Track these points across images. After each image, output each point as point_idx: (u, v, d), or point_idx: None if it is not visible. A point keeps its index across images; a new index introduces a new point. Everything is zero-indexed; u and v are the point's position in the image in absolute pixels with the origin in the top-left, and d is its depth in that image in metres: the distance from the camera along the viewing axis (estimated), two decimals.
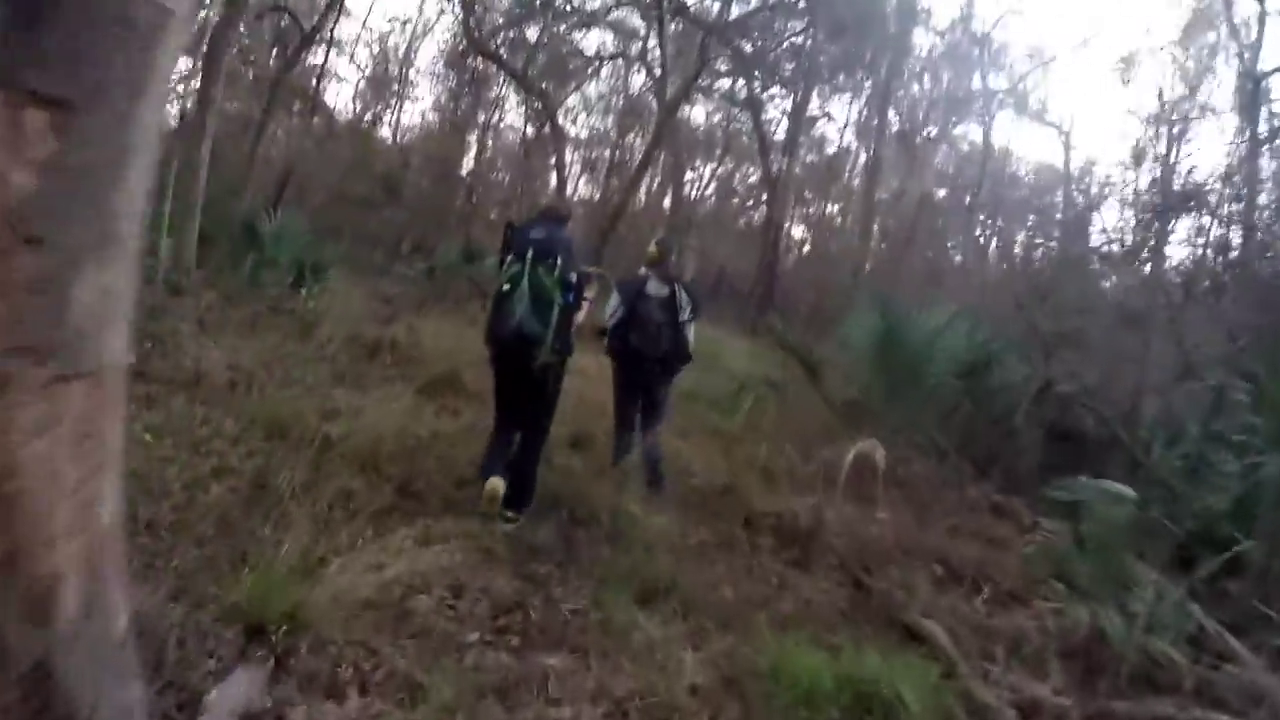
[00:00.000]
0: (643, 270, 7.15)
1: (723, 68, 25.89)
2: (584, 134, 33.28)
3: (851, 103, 28.56)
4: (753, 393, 9.79)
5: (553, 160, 25.73)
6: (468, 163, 29.40)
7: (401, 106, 29.79)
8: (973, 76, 27.63)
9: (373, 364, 9.16)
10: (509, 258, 5.61)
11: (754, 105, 25.45)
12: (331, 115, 26.73)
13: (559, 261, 5.49)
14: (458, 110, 28.78)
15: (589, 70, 29.56)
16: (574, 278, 5.60)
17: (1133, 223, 21.30)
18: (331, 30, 24.11)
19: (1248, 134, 20.27)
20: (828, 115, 28.75)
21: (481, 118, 29.87)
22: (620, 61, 29.41)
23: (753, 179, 34.08)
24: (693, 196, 31.72)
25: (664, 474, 6.86)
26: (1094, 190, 27.71)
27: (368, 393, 7.88)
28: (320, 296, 11.75)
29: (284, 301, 11.14)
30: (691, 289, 7.14)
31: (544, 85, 24.58)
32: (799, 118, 25.30)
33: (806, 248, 32.01)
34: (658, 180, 31.70)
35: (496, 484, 5.51)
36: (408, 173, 25.33)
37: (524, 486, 5.72)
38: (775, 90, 26.59)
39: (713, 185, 34.29)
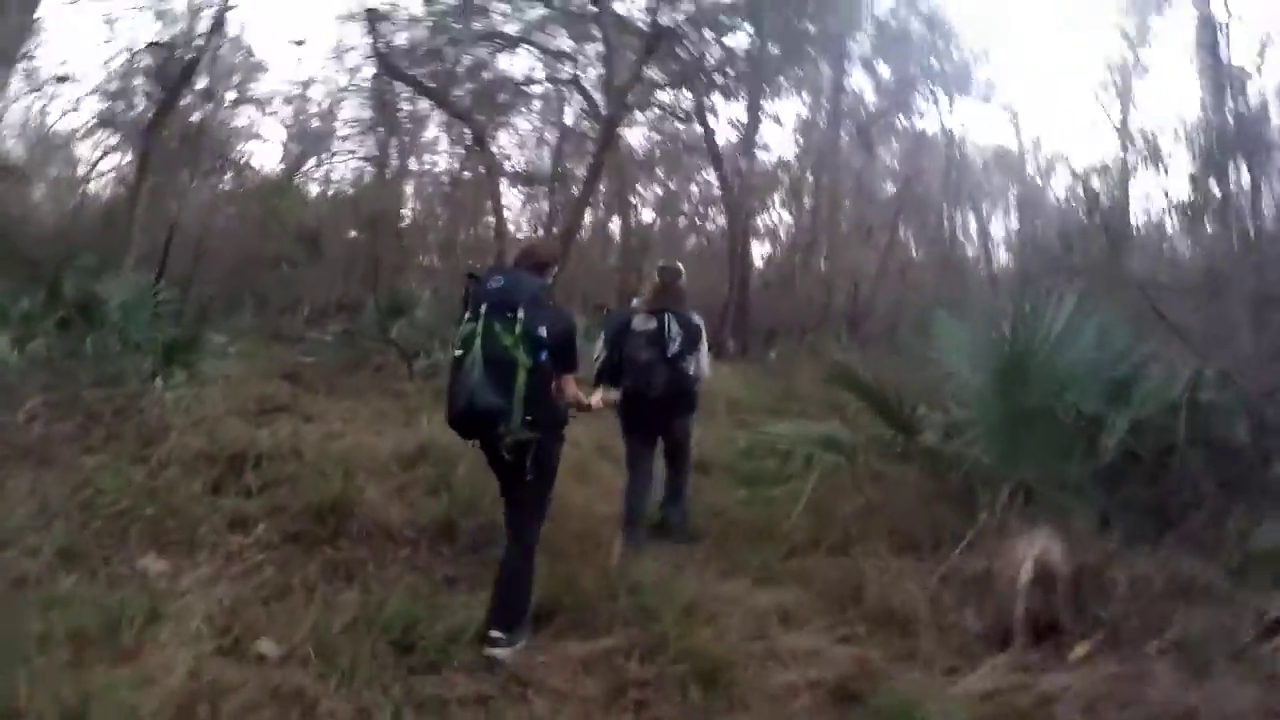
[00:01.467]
0: (635, 301, 6.48)
1: (660, 78, 23.07)
2: (520, 167, 30.38)
3: (804, 100, 25.68)
4: (807, 460, 6.27)
5: (489, 196, 22.81)
6: (403, 211, 26.33)
7: (330, 159, 26.66)
8: (922, 60, 24.85)
9: (222, 496, 6.01)
10: (465, 315, 4.43)
11: (701, 113, 22.60)
12: (246, 173, 23.72)
13: (520, 314, 4.30)
14: (387, 157, 25.82)
15: (519, 99, 26.60)
16: (543, 332, 4.33)
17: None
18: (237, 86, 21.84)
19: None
20: (775, 119, 25.96)
21: (415, 165, 27.03)
22: (551, 88, 26.57)
23: (698, 195, 31.47)
24: (639, 220, 28.78)
25: (689, 529, 6.25)
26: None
27: (194, 555, 5.12)
28: (186, 387, 8.55)
29: (137, 400, 7.87)
30: (685, 318, 6.11)
31: (473, 115, 21.56)
32: (752, 122, 22.41)
33: (765, 261, 29.14)
34: (603, 206, 28.92)
35: None
36: (331, 227, 22.38)
37: (509, 602, 4.49)
38: (716, 98, 23.73)
39: (658, 206, 31.46)
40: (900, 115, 25.66)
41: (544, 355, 4.32)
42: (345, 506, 5.66)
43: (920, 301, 19.58)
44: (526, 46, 22.58)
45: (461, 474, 6.30)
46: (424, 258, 24.12)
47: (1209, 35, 19.25)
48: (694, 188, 31.12)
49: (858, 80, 25.09)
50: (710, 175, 28.76)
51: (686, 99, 24.36)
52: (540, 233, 29.35)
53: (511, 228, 27.85)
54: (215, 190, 22.68)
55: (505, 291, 4.37)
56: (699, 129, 24.26)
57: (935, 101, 24.95)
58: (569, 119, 27.56)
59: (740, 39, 22.45)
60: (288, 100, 25.11)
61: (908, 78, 24.97)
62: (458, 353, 4.36)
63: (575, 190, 27.27)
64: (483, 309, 4.30)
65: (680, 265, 6.49)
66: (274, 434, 7.02)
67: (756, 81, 21.84)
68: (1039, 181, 26.81)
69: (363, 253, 22.07)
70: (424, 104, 23.52)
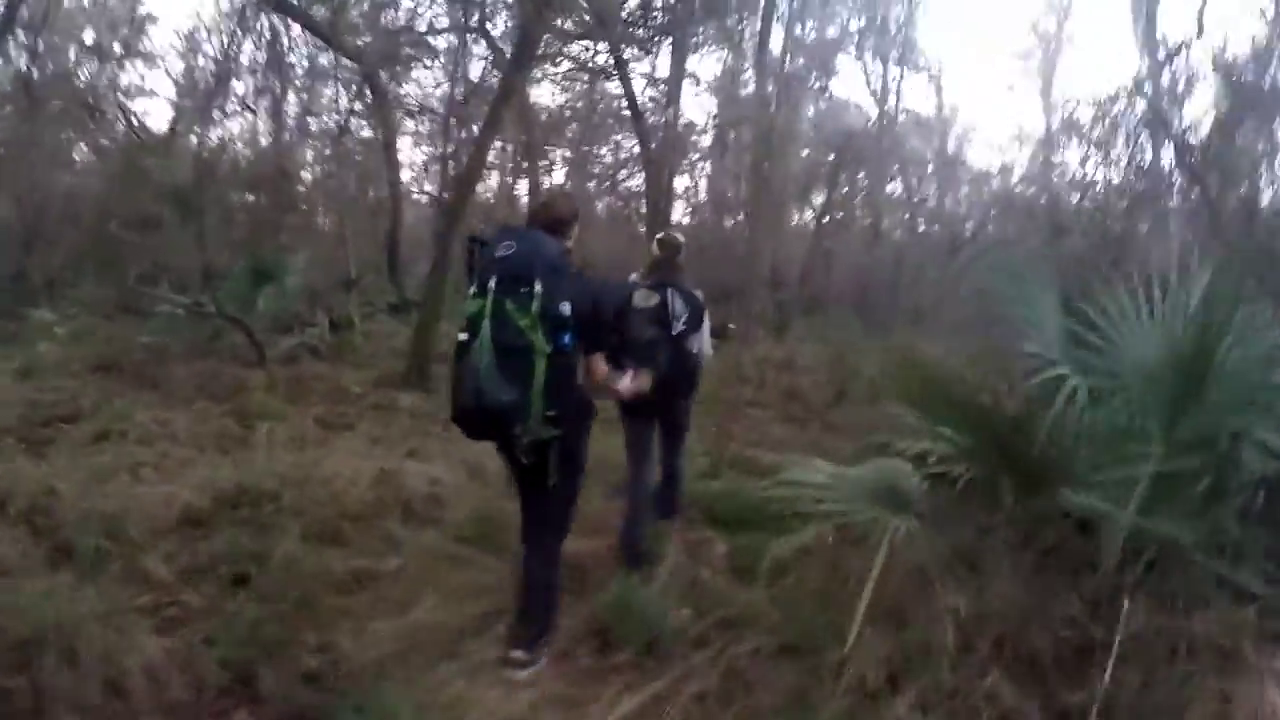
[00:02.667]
0: (633, 276, 5.39)
1: (573, 28, 20.76)
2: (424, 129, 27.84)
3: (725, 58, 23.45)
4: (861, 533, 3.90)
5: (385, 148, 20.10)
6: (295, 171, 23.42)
7: (222, 116, 23.65)
8: (848, 20, 22.94)
9: None
10: (471, 290, 3.53)
11: (621, 66, 20.30)
12: (132, 131, 20.80)
13: (537, 288, 3.41)
14: (282, 114, 22.98)
15: (421, 49, 23.97)
16: (566, 309, 3.45)
17: None
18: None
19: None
20: (694, 76, 23.63)
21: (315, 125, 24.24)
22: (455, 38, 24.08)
23: (608, 158, 29.20)
24: (550, 182, 26.44)
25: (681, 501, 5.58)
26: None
27: None
28: None
29: None
30: (688, 293, 5.18)
31: (364, 58, 18.79)
32: (675, 76, 20.09)
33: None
34: (509, 168, 26.57)
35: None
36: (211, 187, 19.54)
37: (535, 615, 3.81)
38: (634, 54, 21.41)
39: (567, 169, 29.19)
40: (824, 77, 23.71)
41: (566, 338, 3.51)
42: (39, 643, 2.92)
43: (883, 272, 17.96)
44: None
45: (285, 551, 4.09)
46: (321, 220, 21.42)
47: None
48: (606, 150, 29.11)
49: (784, 38, 22.93)
50: (625, 135, 26.87)
51: (601, 53, 22.21)
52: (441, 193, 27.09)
53: (414, 189, 25.94)
54: (87, 149, 19.88)
55: (518, 260, 3.52)
56: (612, 86, 22.10)
57: (863, 66, 23.01)
58: (475, 74, 25.22)
59: None
60: (180, 54, 21.92)
61: (833, 39, 23.05)
62: (462, 337, 3.51)
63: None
64: (491, 283, 3.46)
65: (680, 237, 5.52)
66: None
67: (680, 33, 19.50)
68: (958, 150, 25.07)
69: (245, 214, 19.27)
70: (323, 60, 20.61)
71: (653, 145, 20.10)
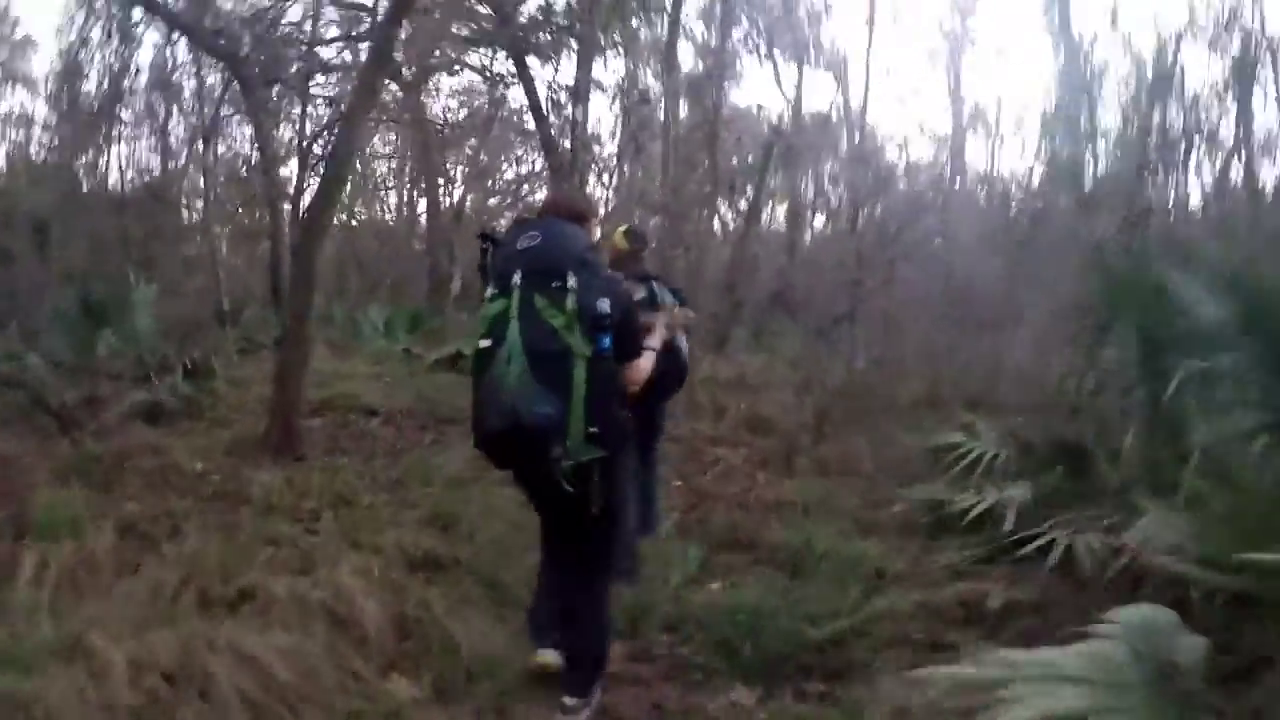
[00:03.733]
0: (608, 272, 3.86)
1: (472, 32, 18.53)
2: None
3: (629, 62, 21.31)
4: None
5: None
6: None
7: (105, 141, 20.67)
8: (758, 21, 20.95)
9: None
10: (489, 291, 2.98)
11: (524, 73, 18.06)
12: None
13: (571, 281, 2.86)
14: (168, 138, 20.23)
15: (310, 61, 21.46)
16: (605, 306, 2.88)
17: None
18: None
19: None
20: (598, 83, 21.50)
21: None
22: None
23: (510, 172, 27.05)
24: (451, 198, 24.08)
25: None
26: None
27: None
28: None
29: None
30: (674, 287, 4.94)
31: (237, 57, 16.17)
32: (582, 85, 17.81)
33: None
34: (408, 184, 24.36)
35: (547, 658, 3.25)
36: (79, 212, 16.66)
37: (584, 659, 3.22)
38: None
39: (470, 182, 26.90)
40: (731, 78, 21.75)
41: (607, 340, 2.88)
42: None
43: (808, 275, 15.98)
44: None
45: None
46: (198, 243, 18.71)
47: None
48: (507, 164, 26.90)
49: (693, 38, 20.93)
50: (528, 146, 24.72)
51: (500, 60, 20.06)
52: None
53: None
54: None
55: (545, 251, 2.93)
56: (513, 98, 19.94)
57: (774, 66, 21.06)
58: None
59: None
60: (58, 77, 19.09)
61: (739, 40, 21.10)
62: (483, 344, 2.88)
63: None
64: (515, 278, 2.86)
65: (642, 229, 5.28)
66: None
67: (586, 36, 17.28)
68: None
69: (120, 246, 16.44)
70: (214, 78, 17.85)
71: (560, 152, 17.92)
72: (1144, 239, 7.48)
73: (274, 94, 15.65)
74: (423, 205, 23.27)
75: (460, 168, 26.06)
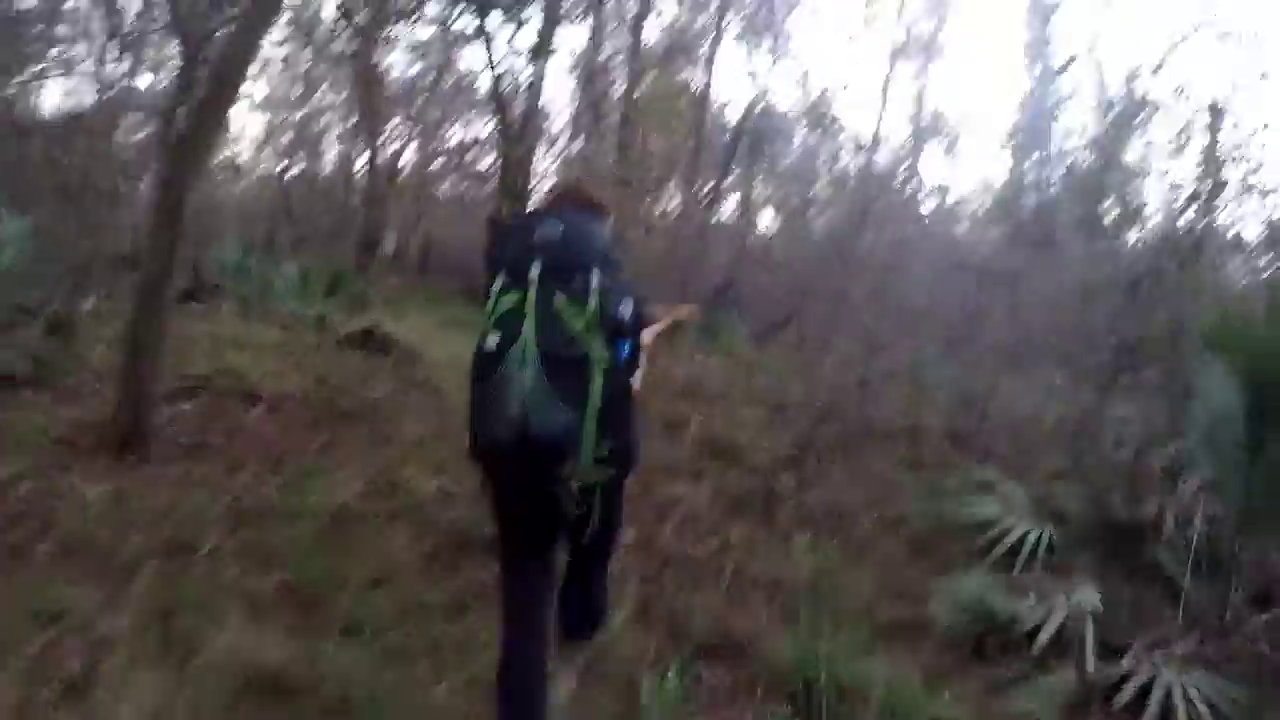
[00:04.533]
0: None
1: None
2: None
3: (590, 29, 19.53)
4: None
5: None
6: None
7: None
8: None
9: None
10: (498, 280, 2.51)
11: (484, 32, 16.32)
12: None
13: (595, 282, 2.45)
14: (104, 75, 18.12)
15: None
16: (626, 311, 2.52)
17: None
18: None
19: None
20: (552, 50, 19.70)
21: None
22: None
23: (456, 137, 25.34)
24: (395, 156, 22.20)
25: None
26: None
27: None
28: None
29: None
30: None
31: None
32: (543, 46, 15.93)
33: None
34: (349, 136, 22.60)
35: None
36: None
37: (590, 607, 3.03)
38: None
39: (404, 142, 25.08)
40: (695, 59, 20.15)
41: (627, 349, 2.57)
42: None
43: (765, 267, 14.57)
44: None
45: None
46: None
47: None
48: (452, 126, 25.10)
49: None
50: (476, 112, 23.00)
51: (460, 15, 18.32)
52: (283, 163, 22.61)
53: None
54: None
55: (568, 245, 2.52)
56: (465, 62, 18.46)
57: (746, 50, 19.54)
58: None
59: None
60: None
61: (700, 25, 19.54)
62: (490, 343, 2.42)
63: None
64: (533, 271, 2.44)
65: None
66: None
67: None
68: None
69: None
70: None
71: (512, 120, 16.23)
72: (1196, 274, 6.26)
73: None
74: (363, 161, 21.22)
75: (406, 125, 24.28)
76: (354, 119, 21.37)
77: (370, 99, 19.05)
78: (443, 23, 19.98)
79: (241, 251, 12.68)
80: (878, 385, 7.35)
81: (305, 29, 20.80)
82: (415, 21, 19.77)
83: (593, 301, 2.41)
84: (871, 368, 7.44)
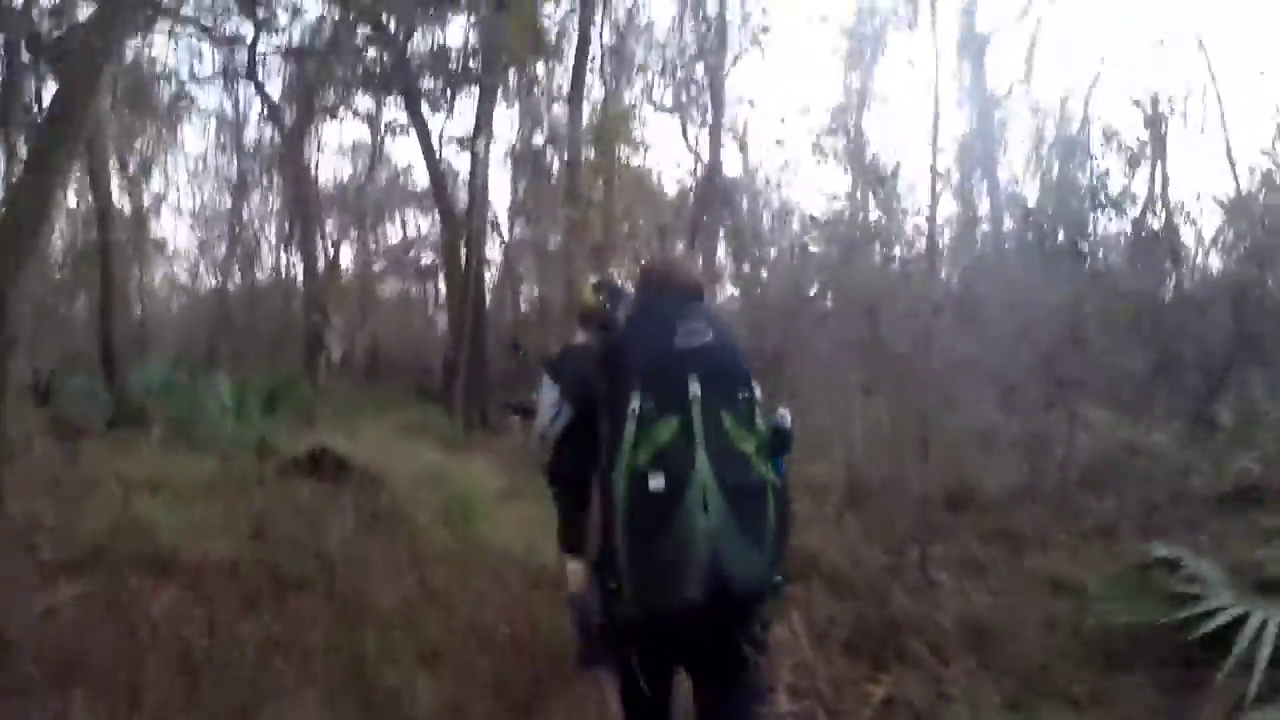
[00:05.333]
0: (579, 337, 3.68)
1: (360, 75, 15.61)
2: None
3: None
4: None
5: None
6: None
7: None
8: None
9: None
10: (635, 401, 2.06)
11: (417, 123, 15.01)
12: None
13: (758, 392, 2.18)
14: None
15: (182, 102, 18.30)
16: (786, 421, 2.21)
17: None
18: None
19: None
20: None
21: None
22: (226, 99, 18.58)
23: (394, 239, 24.71)
24: (330, 260, 20.66)
25: None
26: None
27: None
28: None
29: None
30: None
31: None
32: (482, 132, 14.46)
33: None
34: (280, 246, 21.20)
35: None
36: None
37: None
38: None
39: (347, 248, 23.69)
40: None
41: (781, 463, 2.17)
42: None
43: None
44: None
45: None
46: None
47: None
48: (391, 223, 23.74)
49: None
50: (415, 207, 21.66)
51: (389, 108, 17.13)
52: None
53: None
54: None
55: (724, 352, 2.16)
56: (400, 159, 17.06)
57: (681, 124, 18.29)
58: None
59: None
60: None
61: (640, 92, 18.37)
62: (657, 482, 1.98)
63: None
64: (694, 390, 2.04)
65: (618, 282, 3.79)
66: None
67: (486, 83, 14.13)
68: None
69: None
70: None
71: (457, 212, 14.82)
72: None
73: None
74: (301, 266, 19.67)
75: (343, 225, 22.80)
76: (288, 223, 19.84)
77: (302, 201, 17.58)
78: (370, 119, 18.81)
79: (169, 369, 10.93)
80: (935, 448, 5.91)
81: (230, 130, 19.64)
82: (342, 120, 18.60)
83: (759, 418, 2.09)
84: (933, 425, 5.98)
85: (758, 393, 2.12)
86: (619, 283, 3.81)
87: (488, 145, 13.31)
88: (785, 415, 2.17)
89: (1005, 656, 3.71)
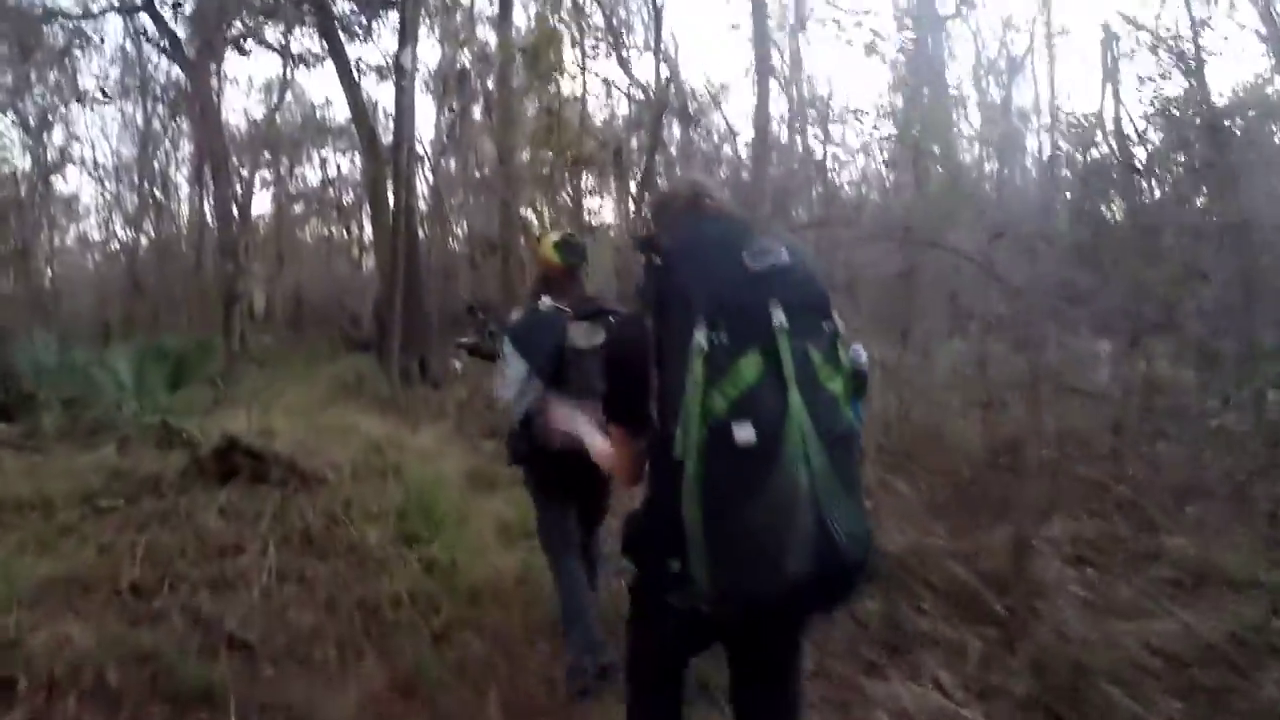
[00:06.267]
0: (546, 301, 3.14)
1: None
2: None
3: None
4: None
5: None
6: None
7: None
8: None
9: None
10: (700, 333, 1.57)
11: (335, 51, 13.09)
12: None
13: (840, 324, 1.71)
14: None
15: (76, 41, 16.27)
16: (862, 357, 1.79)
17: None
18: None
19: None
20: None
21: None
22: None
23: (313, 178, 22.82)
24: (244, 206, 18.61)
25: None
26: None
27: None
28: None
29: None
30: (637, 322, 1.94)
31: None
32: (406, 58, 12.45)
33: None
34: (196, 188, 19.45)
35: None
36: None
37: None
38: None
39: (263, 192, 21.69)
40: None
41: (858, 404, 1.76)
42: None
43: None
44: None
45: None
46: None
47: None
48: (310, 167, 21.79)
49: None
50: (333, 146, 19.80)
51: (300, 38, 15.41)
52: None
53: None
54: None
55: (806, 275, 1.72)
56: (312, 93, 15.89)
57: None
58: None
59: None
60: None
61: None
62: (745, 433, 1.54)
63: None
64: (778, 319, 1.60)
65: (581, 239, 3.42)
66: None
67: (410, 13, 12.12)
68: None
69: None
70: None
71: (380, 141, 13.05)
72: None
73: None
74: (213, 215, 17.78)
75: (260, 173, 20.76)
76: (196, 166, 17.88)
77: (211, 139, 15.58)
78: (282, 50, 16.70)
79: (61, 344, 9.13)
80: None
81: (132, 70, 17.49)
82: (251, 53, 16.49)
83: (843, 352, 1.66)
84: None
85: (840, 324, 1.67)
86: (580, 240, 3.36)
87: (414, 58, 11.43)
88: (861, 352, 1.76)
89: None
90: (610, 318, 3.00)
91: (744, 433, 1.52)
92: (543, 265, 3.28)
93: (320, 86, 32.41)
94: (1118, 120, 11.72)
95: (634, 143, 15.44)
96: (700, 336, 1.56)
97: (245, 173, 19.52)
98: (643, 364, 1.74)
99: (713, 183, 2.11)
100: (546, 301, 3.13)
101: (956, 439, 5.31)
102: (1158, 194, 9.26)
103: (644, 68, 20.20)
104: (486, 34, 15.45)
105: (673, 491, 1.60)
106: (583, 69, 15.53)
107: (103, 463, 5.40)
